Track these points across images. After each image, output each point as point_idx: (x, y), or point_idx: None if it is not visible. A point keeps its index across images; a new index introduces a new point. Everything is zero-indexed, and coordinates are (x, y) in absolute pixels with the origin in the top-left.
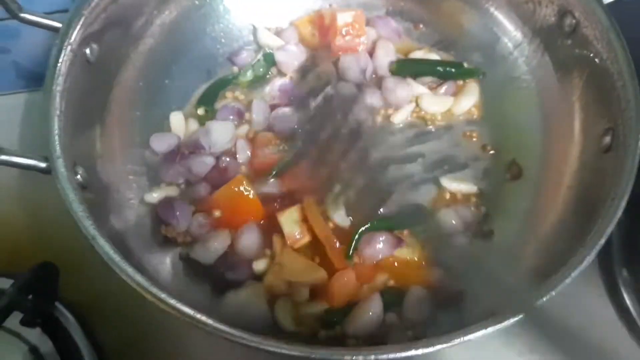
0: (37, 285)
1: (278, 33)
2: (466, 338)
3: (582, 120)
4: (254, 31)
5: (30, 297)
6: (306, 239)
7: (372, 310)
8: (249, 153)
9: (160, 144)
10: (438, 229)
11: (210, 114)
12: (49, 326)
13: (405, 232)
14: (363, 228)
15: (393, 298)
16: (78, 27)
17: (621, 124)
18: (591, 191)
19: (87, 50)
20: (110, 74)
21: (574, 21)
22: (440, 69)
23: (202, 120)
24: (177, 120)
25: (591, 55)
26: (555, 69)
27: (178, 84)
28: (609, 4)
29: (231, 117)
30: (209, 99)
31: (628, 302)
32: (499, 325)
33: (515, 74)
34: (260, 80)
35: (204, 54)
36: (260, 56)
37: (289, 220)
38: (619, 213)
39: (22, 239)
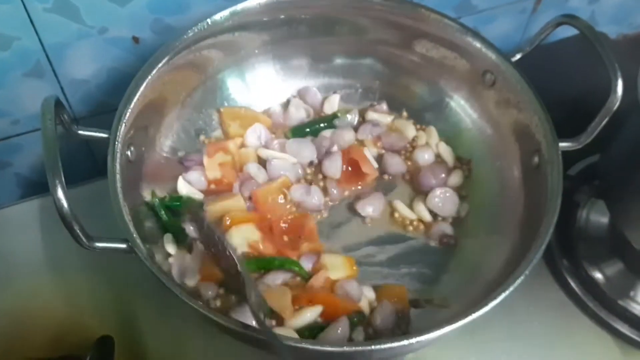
0: (98, 358)
1: None
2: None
3: (518, 147)
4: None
5: None
6: None
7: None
8: None
9: None
10: None
11: None
12: None
13: None
14: None
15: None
16: (120, 134)
17: (543, 147)
18: (535, 200)
19: (128, 152)
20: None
21: (492, 77)
22: (319, 125)
23: None
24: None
25: (510, 100)
26: (487, 113)
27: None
28: (517, 60)
29: None
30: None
31: (572, 285)
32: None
33: (459, 122)
34: None
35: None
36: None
37: None
38: (556, 214)
39: (82, 319)
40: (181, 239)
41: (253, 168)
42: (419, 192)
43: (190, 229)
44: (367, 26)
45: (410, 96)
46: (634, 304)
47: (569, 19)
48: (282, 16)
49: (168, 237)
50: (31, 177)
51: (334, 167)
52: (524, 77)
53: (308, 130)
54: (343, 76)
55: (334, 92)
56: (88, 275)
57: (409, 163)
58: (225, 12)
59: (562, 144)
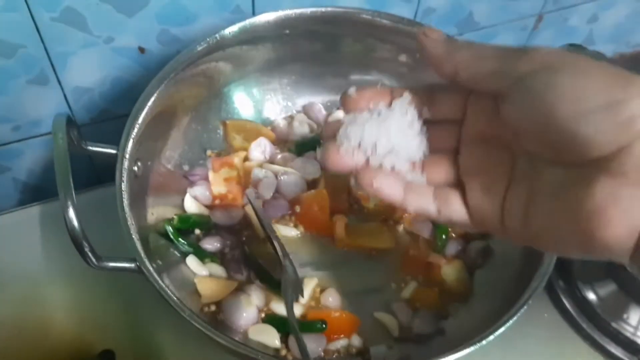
0: None
1: None
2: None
3: None
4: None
5: None
6: None
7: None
8: None
9: None
10: None
11: None
12: None
13: None
14: None
15: None
16: (128, 150)
17: None
18: None
19: (135, 168)
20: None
21: None
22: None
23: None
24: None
25: None
26: None
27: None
28: None
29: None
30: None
31: (567, 305)
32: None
33: None
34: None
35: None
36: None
37: None
38: None
39: (81, 331)
40: (202, 256)
41: (260, 173)
42: None
43: (207, 246)
44: (373, 45)
45: None
46: (626, 326)
47: (575, 49)
48: (290, 32)
49: (191, 259)
50: (30, 183)
51: None
52: None
53: (310, 145)
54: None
55: (338, 109)
56: (89, 287)
57: None
58: (234, 28)
59: None
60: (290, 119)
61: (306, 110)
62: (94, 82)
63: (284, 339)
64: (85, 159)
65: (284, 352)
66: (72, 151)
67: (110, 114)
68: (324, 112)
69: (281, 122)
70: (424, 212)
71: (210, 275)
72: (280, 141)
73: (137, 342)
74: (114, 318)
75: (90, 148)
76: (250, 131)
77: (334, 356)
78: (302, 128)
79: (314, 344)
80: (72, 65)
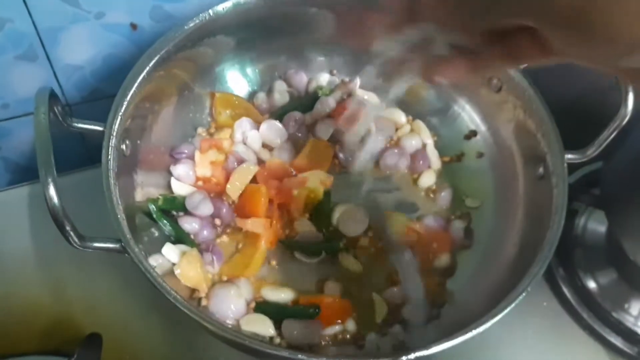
0: (86, 356)
1: None
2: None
3: (522, 155)
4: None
5: None
6: None
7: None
8: None
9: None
10: None
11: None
12: None
13: None
14: None
15: None
16: (115, 128)
17: (548, 158)
18: (537, 211)
19: (123, 147)
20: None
21: (499, 83)
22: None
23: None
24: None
25: (516, 107)
26: (491, 119)
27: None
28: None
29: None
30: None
31: (567, 294)
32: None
33: (463, 127)
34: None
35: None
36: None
37: None
38: (560, 229)
39: (69, 314)
40: (187, 241)
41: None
42: None
43: (186, 225)
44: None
45: (415, 99)
46: (627, 316)
47: None
48: (286, 10)
49: (167, 249)
50: (20, 162)
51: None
52: (531, 85)
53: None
54: (347, 74)
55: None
56: (77, 269)
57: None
58: (228, 4)
59: (567, 156)
60: (269, 91)
61: (287, 77)
62: (84, 60)
63: (277, 326)
64: (78, 139)
65: (277, 339)
66: (57, 127)
67: (102, 93)
68: (305, 79)
69: (260, 96)
70: None
71: (190, 264)
72: (264, 113)
73: (124, 326)
74: (102, 301)
75: (76, 125)
76: (238, 108)
77: (329, 342)
78: (283, 99)
79: (308, 329)
80: (61, 41)
